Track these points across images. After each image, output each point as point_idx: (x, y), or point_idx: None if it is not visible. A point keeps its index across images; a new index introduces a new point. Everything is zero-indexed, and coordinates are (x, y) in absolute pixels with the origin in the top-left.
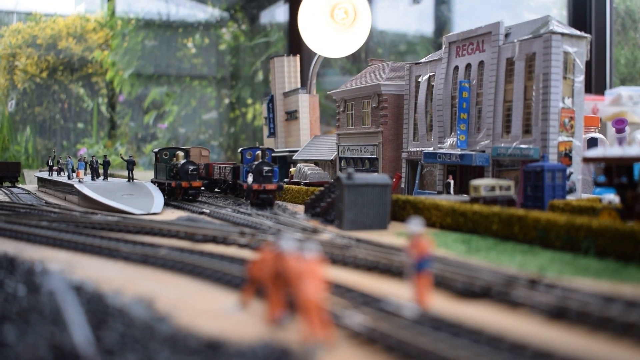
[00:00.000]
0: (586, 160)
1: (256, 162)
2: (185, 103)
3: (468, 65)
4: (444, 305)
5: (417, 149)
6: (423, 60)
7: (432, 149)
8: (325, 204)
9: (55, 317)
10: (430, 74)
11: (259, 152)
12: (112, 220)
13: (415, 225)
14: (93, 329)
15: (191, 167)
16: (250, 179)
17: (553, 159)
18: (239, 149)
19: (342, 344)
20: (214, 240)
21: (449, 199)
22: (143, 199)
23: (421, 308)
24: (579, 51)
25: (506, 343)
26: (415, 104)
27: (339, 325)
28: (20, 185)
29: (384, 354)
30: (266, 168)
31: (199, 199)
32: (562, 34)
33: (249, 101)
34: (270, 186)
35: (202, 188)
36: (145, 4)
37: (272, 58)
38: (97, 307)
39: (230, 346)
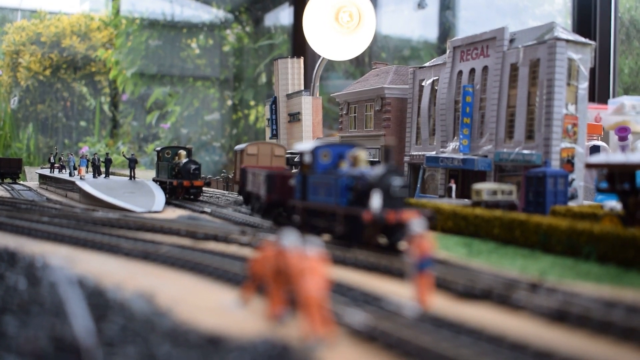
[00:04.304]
0: (589, 166)
1: (377, 172)
2: (188, 104)
3: (472, 70)
4: (444, 306)
5: (420, 153)
6: (427, 64)
7: (434, 153)
8: None
9: (56, 310)
10: (434, 78)
11: (358, 153)
12: (113, 217)
13: (417, 225)
14: (93, 322)
15: (193, 167)
16: (377, 201)
17: (555, 165)
18: (301, 147)
19: (343, 342)
20: (215, 238)
21: (451, 203)
22: (144, 197)
23: (422, 308)
24: (583, 58)
25: (507, 342)
26: (419, 107)
27: (340, 323)
28: (21, 182)
29: (385, 352)
30: (396, 182)
31: (200, 198)
32: (567, 41)
33: (252, 103)
34: (406, 215)
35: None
36: (150, 4)
37: (276, 60)
38: (98, 301)
39: (231, 341)
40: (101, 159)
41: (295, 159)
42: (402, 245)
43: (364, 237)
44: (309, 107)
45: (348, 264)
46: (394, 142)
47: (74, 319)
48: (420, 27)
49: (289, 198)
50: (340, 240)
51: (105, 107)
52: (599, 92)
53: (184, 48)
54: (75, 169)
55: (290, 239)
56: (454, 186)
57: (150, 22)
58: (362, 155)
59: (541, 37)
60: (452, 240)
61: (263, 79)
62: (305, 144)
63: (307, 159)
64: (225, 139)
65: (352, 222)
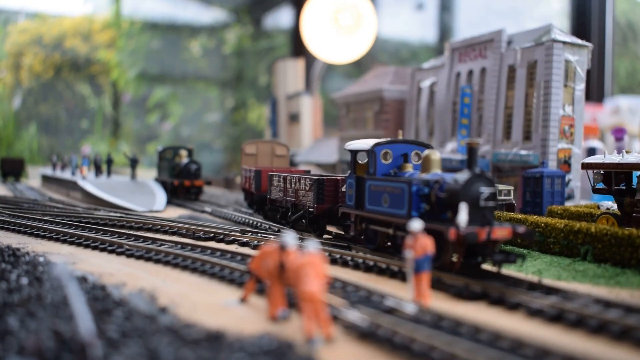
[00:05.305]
0: (585, 166)
1: (461, 178)
2: (189, 104)
3: (470, 72)
4: (442, 305)
5: None
6: (425, 66)
7: None
8: None
9: (58, 307)
10: (433, 79)
11: (431, 153)
12: (114, 217)
13: (416, 224)
14: (95, 319)
15: (194, 167)
16: (464, 215)
17: (552, 165)
18: (355, 144)
19: (342, 338)
20: (216, 237)
21: None
22: (145, 196)
23: (420, 305)
24: (580, 59)
25: (504, 340)
26: (417, 109)
27: (340, 320)
28: (24, 181)
29: (383, 348)
30: (485, 190)
31: (201, 197)
32: (564, 42)
33: (252, 103)
34: (500, 232)
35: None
36: (152, 6)
37: (276, 61)
38: (100, 299)
39: (231, 338)
40: (103, 159)
41: (294, 157)
42: (487, 267)
43: (444, 258)
44: (309, 108)
45: (347, 263)
46: (480, 142)
47: (76, 315)
48: (419, 29)
49: (340, 205)
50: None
51: (107, 108)
52: (595, 94)
53: (185, 49)
54: (77, 168)
55: (290, 238)
56: None
57: (152, 24)
58: (436, 156)
59: (538, 39)
60: None
61: (263, 79)
62: (361, 141)
63: (363, 158)
64: (225, 140)
65: (455, 245)
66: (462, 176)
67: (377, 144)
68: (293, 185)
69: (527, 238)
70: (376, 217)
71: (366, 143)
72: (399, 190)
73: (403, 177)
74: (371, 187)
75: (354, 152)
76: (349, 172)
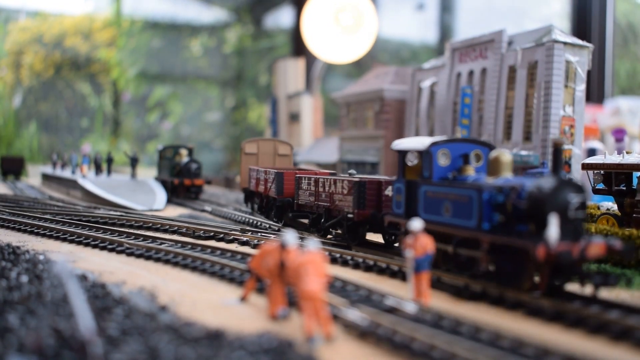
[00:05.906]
0: (585, 167)
1: (546, 184)
2: (189, 103)
3: (471, 72)
4: (442, 304)
5: None
6: (426, 66)
7: None
8: None
9: (57, 304)
10: (433, 79)
11: (500, 155)
12: (114, 215)
13: (416, 223)
14: (95, 316)
15: (194, 166)
16: (555, 229)
17: None
18: (405, 143)
19: (342, 337)
20: (216, 236)
21: None
22: (145, 195)
23: (420, 305)
24: (580, 60)
25: (503, 340)
26: (418, 109)
27: (340, 319)
28: (24, 180)
29: (383, 347)
30: (575, 199)
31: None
32: (565, 43)
33: (253, 103)
34: (595, 249)
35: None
36: (153, 5)
37: (277, 60)
38: (100, 297)
39: (231, 337)
40: (103, 158)
41: (294, 157)
42: (569, 287)
43: (525, 279)
44: (309, 107)
45: (347, 262)
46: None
47: (76, 313)
48: (420, 30)
49: (385, 212)
50: (484, 279)
51: (108, 107)
52: (595, 95)
53: (185, 48)
54: (76, 166)
55: (290, 237)
56: None
57: (153, 23)
58: (506, 158)
59: (539, 40)
60: None
61: (264, 78)
62: (412, 140)
63: (415, 159)
64: (226, 139)
65: (505, 256)
66: (548, 182)
67: (434, 143)
68: (327, 188)
69: (626, 256)
70: (434, 228)
71: (420, 142)
72: (465, 198)
73: (469, 183)
74: (427, 194)
75: (403, 153)
76: (395, 175)
